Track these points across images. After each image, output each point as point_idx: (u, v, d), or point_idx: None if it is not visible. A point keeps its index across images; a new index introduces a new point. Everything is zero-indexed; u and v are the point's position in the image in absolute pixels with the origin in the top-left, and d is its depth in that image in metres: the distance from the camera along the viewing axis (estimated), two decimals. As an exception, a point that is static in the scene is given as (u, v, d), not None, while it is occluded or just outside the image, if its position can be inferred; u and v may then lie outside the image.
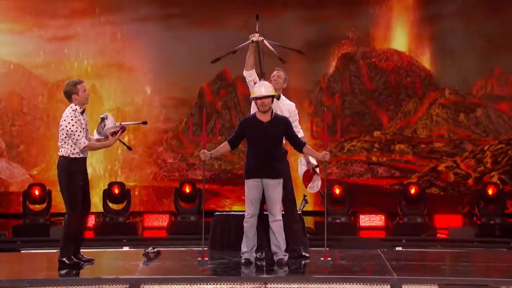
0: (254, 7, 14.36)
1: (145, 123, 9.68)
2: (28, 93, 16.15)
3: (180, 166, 16.12)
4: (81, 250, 8.94)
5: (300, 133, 9.22)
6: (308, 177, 9.51)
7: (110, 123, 8.85)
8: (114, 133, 8.83)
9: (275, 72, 9.46)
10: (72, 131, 8.64)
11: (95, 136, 8.96)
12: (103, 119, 8.87)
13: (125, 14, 16.04)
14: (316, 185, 9.55)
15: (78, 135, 8.64)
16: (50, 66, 15.98)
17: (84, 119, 8.79)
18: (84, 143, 8.66)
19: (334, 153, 15.58)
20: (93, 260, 9.01)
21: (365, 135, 16.13)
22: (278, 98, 9.28)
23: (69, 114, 8.69)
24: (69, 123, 8.64)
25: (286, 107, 9.30)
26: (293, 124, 9.03)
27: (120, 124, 8.97)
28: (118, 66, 16.06)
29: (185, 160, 16.14)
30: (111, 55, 16.03)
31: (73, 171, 8.70)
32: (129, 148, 9.35)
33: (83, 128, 8.73)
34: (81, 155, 8.74)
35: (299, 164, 9.43)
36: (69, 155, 8.71)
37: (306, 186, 9.57)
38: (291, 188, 9.31)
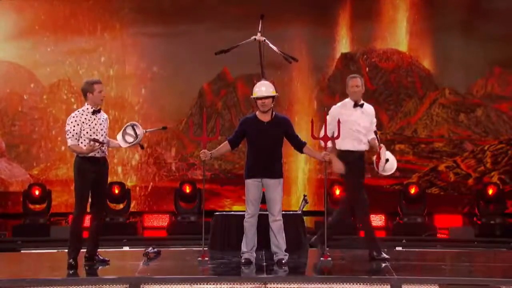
0: (256, 7, 14.38)
1: (165, 128, 9.78)
2: (29, 93, 16.16)
3: (180, 166, 16.12)
4: (80, 250, 8.94)
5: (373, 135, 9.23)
6: (378, 159, 9.38)
7: (141, 134, 8.93)
8: (96, 142, 8.80)
9: (351, 81, 9.43)
10: (66, 130, 8.78)
11: (119, 140, 8.99)
12: (133, 128, 8.93)
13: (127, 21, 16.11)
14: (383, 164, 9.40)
15: (67, 135, 8.76)
16: (51, 66, 16.01)
17: (98, 119, 8.87)
18: (68, 143, 8.77)
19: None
20: (108, 261, 9.05)
21: (365, 135, 16.12)
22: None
23: (73, 113, 8.87)
24: (68, 120, 8.80)
25: (370, 111, 9.38)
26: (373, 127, 9.15)
27: (146, 132, 9.07)
28: (117, 67, 16.07)
29: (185, 160, 16.15)
30: (111, 55, 16.04)
31: (82, 170, 8.77)
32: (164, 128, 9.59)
33: (91, 128, 8.78)
34: (91, 155, 8.78)
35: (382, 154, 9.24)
36: (78, 154, 8.81)
37: (378, 168, 9.45)
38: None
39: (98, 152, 8.81)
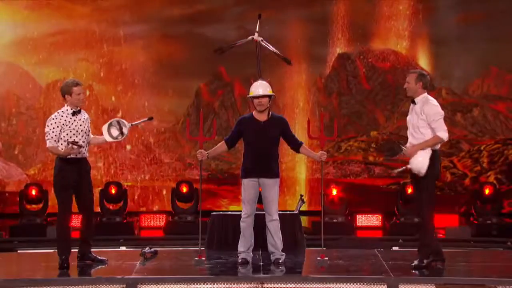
0: (253, 7, 14.41)
1: (151, 119, 9.75)
2: (25, 93, 16.18)
3: (177, 166, 16.15)
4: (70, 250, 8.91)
5: (439, 130, 8.72)
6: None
7: (126, 130, 8.93)
8: (74, 144, 8.79)
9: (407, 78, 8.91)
10: (46, 131, 8.75)
11: (105, 136, 8.94)
12: (119, 123, 8.91)
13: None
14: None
15: (46, 137, 8.73)
16: (47, 66, 16.02)
17: (79, 120, 8.81)
18: (47, 145, 8.73)
19: (331, 153, 15.61)
20: (106, 260, 9.05)
21: (362, 135, 16.16)
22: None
23: (52, 115, 8.81)
24: (48, 123, 8.75)
25: (419, 107, 8.75)
26: (433, 126, 8.71)
27: (131, 125, 9.04)
28: (114, 68, 16.08)
29: (182, 160, 16.17)
30: (108, 56, 16.05)
31: (62, 171, 8.72)
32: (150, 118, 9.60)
33: (72, 129, 8.73)
34: (71, 156, 8.73)
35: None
36: (57, 156, 8.78)
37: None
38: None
39: (80, 153, 8.80)
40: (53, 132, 8.69)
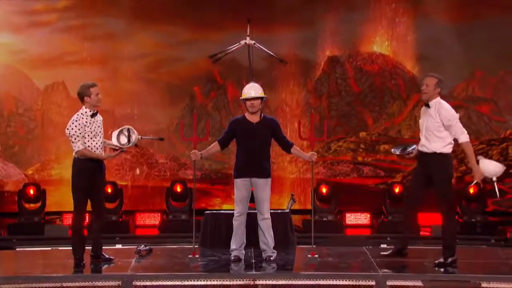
0: (245, 10, 14.53)
1: (162, 139, 9.93)
2: (24, 95, 16.20)
3: (172, 166, 16.21)
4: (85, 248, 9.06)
5: (459, 134, 8.88)
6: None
7: (134, 139, 9.03)
8: (114, 150, 9.01)
9: (424, 80, 8.99)
10: (70, 134, 8.75)
11: (113, 141, 9.05)
12: (129, 131, 9.02)
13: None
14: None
15: (75, 139, 8.73)
16: (46, 69, 16.12)
17: (96, 121, 8.88)
18: (78, 147, 8.74)
19: (321, 154, 15.64)
20: (113, 259, 9.11)
21: (351, 136, 16.22)
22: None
23: (74, 117, 8.81)
24: (69, 126, 8.77)
25: (433, 111, 8.87)
26: (452, 130, 8.82)
27: (141, 137, 9.18)
28: (111, 68, 16.17)
29: (176, 160, 16.24)
30: (104, 58, 16.14)
31: (79, 171, 8.79)
32: (161, 139, 9.79)
33: (92, 131, 8.82)
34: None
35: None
36: (77, 156, 8.83)
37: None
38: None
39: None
40: (80, 132, 8.69)
